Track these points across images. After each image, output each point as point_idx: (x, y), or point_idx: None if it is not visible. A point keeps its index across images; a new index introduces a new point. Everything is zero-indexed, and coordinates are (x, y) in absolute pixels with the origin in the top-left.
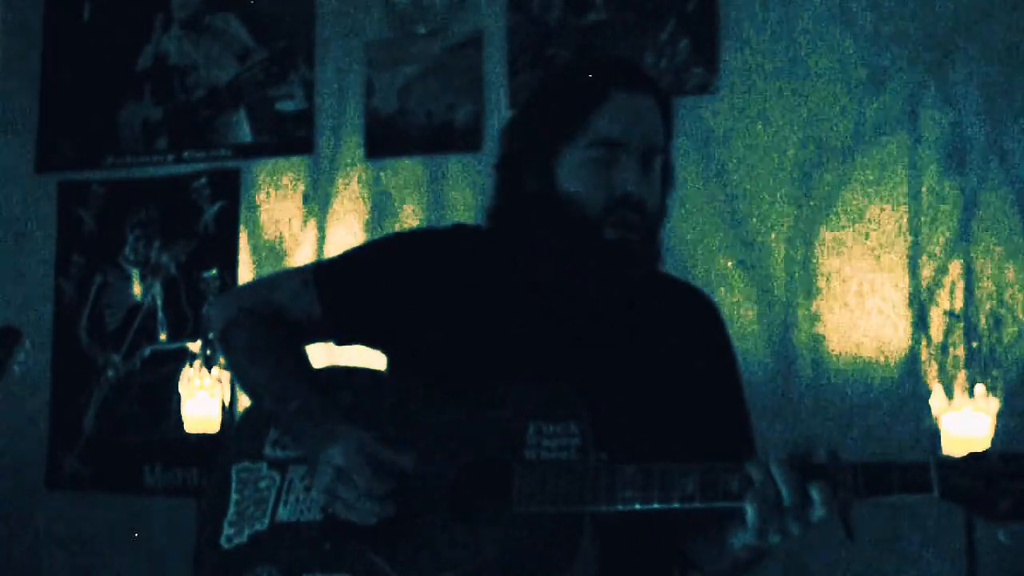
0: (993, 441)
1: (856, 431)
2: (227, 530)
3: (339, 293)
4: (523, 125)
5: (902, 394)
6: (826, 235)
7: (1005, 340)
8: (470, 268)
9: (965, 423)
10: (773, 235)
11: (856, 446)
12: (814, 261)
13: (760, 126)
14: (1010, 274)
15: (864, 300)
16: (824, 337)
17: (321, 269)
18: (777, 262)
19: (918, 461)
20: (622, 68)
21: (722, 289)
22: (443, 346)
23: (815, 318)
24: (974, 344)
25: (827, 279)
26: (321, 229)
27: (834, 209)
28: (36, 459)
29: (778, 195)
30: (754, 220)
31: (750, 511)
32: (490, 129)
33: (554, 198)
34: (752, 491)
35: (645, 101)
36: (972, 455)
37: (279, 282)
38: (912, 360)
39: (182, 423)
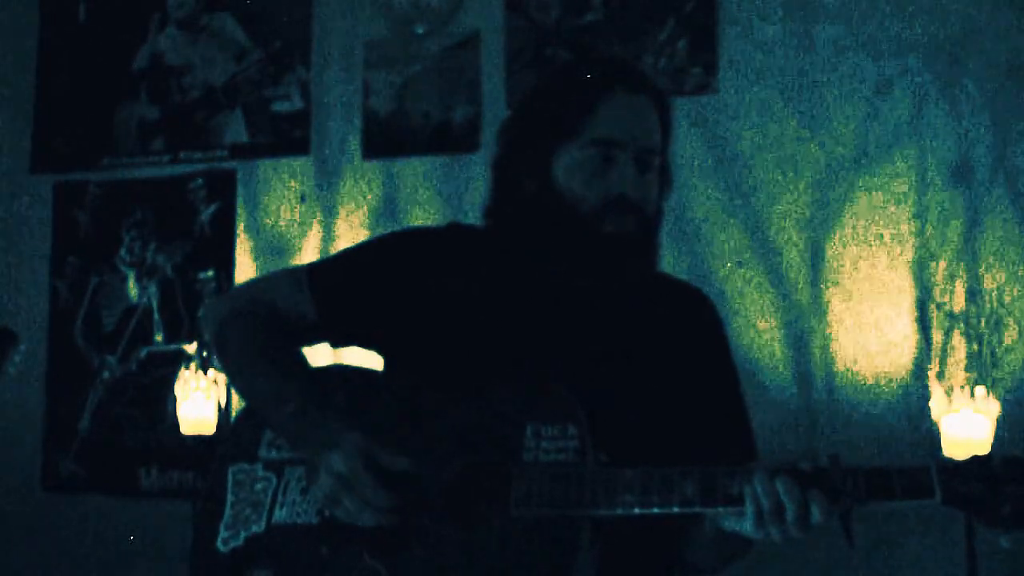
0: (993, 443)
1: (858, 433)
2: (223, 533)
3: (333, 294)
4: (520, 124)
5: (905, 396)
6: (831, 237)
7: (1005, 342)
8: (466, 268)
9: (965, 425)
10: (776, 237)
11: (858, 448)
12: (821, 265)
13: (761, 130)
14: (1011, 276)
15: (870, 304)
16: (832, 338)
17: (315, 270)
18: (782, 266)
19: (919, 466)
20: (620, 68)
21: (729, 288)
22: (439, 347)
23: (823, 320)
24: (974, 346)
25: (835, 282)
26: (318, 230)
27: (839, 210)
28: (32, 461)
29: (782, 197)
30: (757, 222)
31: (750, 520)
32: (488, 129)
33: (551, 195)
34: (754, 501)
35: (643, 102)
36: (974, 459)
37: (273, 284)
38: (916, 363)
39: (178, 425)
